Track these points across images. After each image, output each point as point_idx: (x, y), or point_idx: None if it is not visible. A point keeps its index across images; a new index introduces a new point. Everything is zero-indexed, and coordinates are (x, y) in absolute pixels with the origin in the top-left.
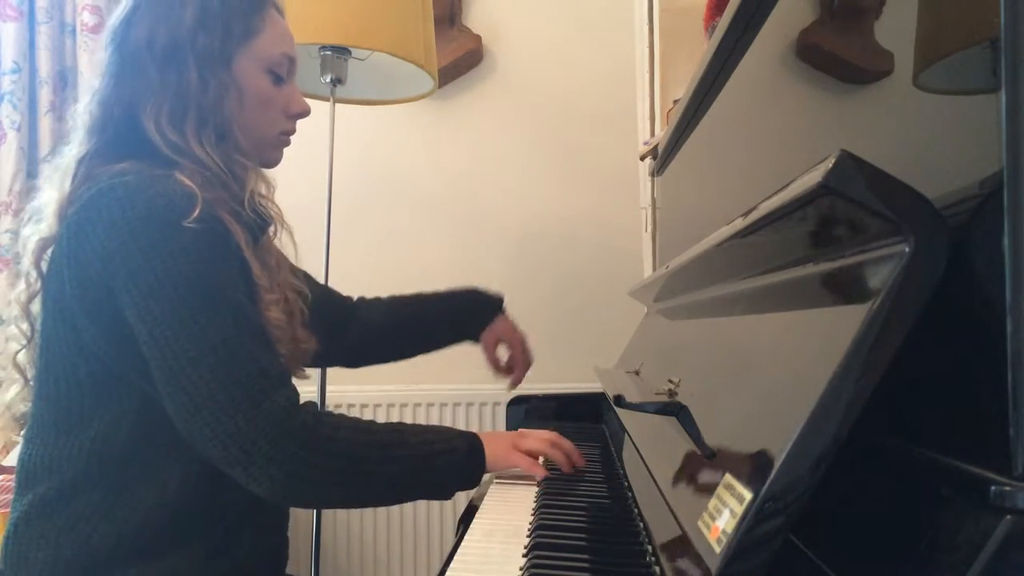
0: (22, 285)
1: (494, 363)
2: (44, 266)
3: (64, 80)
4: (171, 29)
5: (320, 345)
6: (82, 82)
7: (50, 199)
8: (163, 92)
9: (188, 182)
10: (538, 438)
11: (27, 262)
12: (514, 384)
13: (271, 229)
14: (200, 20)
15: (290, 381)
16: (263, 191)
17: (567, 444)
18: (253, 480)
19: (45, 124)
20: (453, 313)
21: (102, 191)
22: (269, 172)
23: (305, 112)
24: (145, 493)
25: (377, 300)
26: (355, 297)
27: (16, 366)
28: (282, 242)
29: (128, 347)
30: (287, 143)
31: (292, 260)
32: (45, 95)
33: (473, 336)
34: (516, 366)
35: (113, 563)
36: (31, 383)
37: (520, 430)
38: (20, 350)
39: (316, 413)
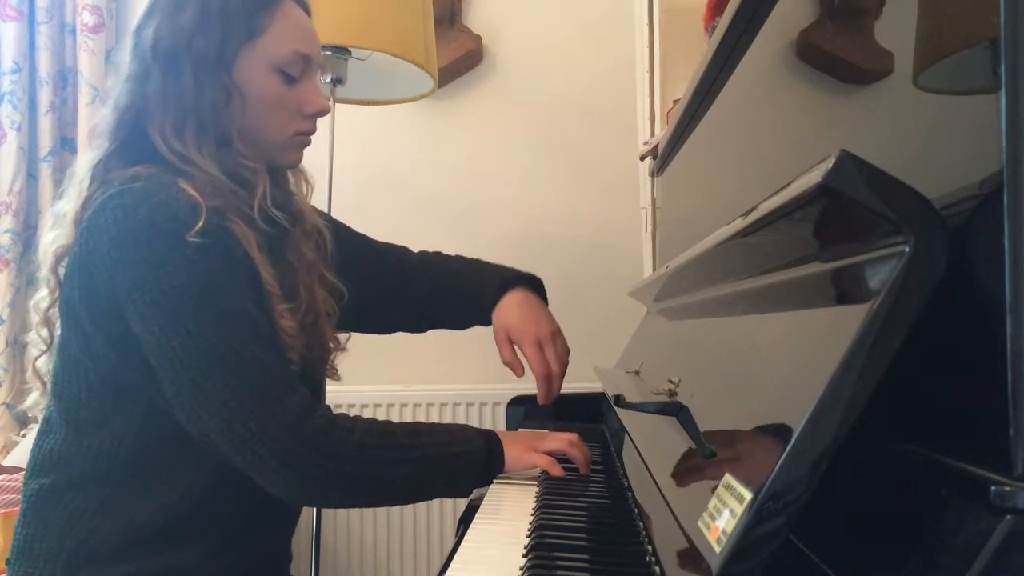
0: (43, 291)
1: (509, 364)
2: (62, 272)
3: (64, 80)
4: (171, 33)
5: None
6: (82, 82)
7: (68, 206)
8: (166, 100)
9: (193, 192)
10: (558, 438)
11: (46, 270)
12: (542, 399)
13: (299, 229)
14: (197, 22)
15: (301, 386)
16: (303, 190)
17: (584, 447)
18: (269, 483)
19: (45, 124)
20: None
21: (111, 197)
22: (312, 171)
23: (323, 111)
24: (151, 494)
25: (419, 258)
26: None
27: (35, 372)
28: (325, 240)
29: (133, 354)
30: (306, 143)
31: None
32: (45, 95)
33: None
34: (537, 378)
35: (115, 557)
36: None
37: (538, 431)
38: (39, 356)
39: (329, 416)
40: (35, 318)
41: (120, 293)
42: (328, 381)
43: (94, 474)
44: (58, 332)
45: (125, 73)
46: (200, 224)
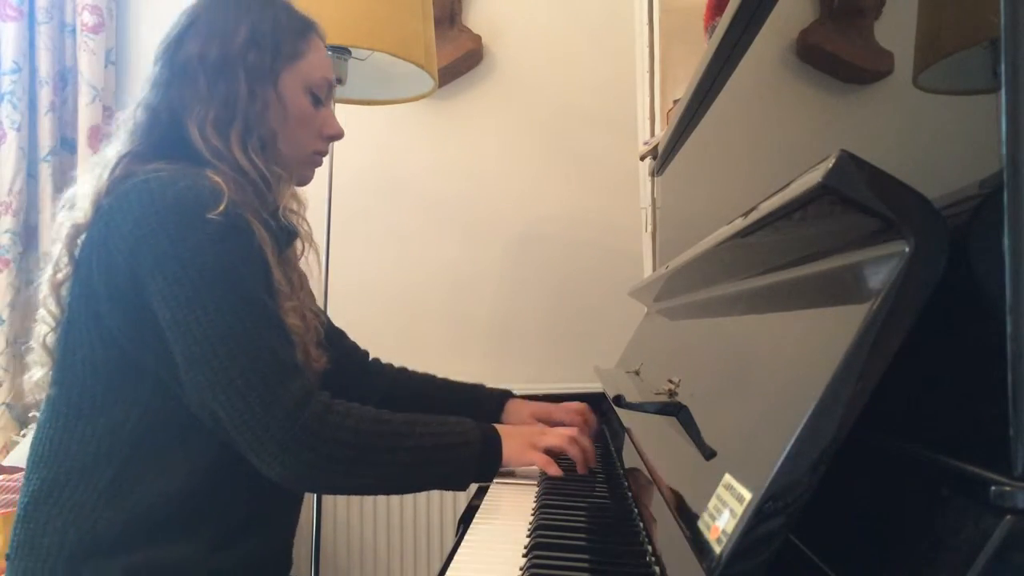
0: (51, 270)
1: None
2: (76, 252)
3: (64, 80)
4: (224, 45)
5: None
6: (82, 82)
7: (87, 189)
8: (211, 100)
9: (218, 179)
10: (558, 434)
11: (59, 246)
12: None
13: (298, 244)
14: (252, 38)
15: (306, 372)
16: (294, 207)
17: (586, 442)
18: (264, 465)
19: (45, 124)
20: (458, 403)
21: (136, 184)
22: (302, 191)
23: (339, 135)
24: (152, 482)
25: (388, 367)
26: (369, 355)
27: (45, 348)
28: (308, 262)
29: (148, 332)
30: (319, 163)
31: (315, 279)
32: (45, 95)
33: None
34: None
35: (117, 549)
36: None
37: (542, 427)
38: (48, 333)
39: (328, 403)
40: (44, 292)
41: (141, 269)
42: None
43: (94, 463)
44: (66, 312)
45: (157, 81)
46: (223, 206)
